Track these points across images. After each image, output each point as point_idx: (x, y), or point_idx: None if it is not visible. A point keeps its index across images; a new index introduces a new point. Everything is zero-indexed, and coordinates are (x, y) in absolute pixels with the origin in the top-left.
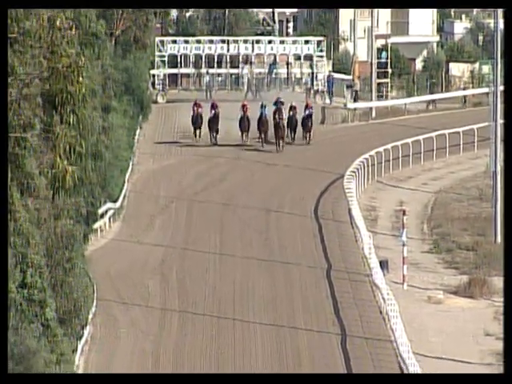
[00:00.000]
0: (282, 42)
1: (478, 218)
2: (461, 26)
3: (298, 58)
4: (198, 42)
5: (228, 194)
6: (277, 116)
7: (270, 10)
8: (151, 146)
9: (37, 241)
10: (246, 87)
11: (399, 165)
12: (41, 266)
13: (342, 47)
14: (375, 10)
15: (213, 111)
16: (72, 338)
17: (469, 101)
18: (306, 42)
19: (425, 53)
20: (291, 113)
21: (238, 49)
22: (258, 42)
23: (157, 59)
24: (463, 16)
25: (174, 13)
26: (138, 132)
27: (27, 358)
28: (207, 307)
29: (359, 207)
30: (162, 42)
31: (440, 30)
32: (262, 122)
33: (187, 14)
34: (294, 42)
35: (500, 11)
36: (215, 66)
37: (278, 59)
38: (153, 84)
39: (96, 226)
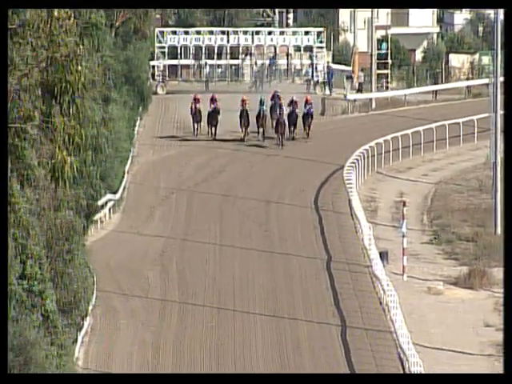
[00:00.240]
0: (281, 33)
1: (478, 209)
2: (461, 17)
3: (297, 49)
4: (198, 33)
5: (228, 186)
6: (277, 111)
7: None
8: (151, 137)
9: (37, 232)
10: (253, 78)
11: (399, 156)
12: (41, 258)
13: (342, 38)
14: None
15: (212, 105)
16: (72, 329)
17: (471, 91)
18: (306, 33)
19: (425, 44)
20: (292, 108)
21: (238, 40)
22: (257, 33)
23: (157, 50)
24: None
25: None
26: (137, 123)
27: (27, 349)
28: (207, 298)
29: (359, 198)
30: (161, 32)
31: (440, 20)
32: (260, 118)
33: None
34: (294, 33)
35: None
36: (215, 57)
37: (277, 50)
38: (153, 75)
39: (96, 217)
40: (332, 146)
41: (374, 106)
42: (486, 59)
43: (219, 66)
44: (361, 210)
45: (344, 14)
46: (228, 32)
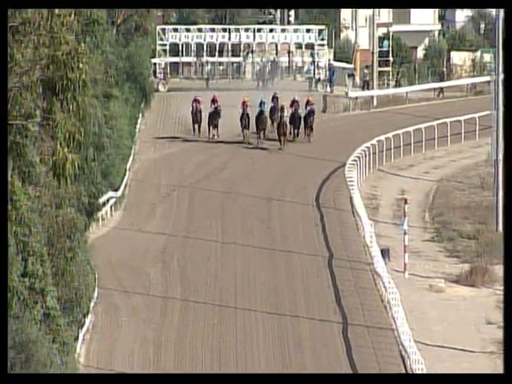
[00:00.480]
0: (283, 31)
1: (480, 206)
2: (462, 15)
3: (299, 46)
4: (200, 30)
5: (229, 183)
6: (277, 113)
7: None
8: (153, 134)
9: (38, 229)
10: (255, 76)
11: (400, 153)
12: (42, 255)
13: (344, 36)
14: None
15: (213, 106)
16: (73, 327)
17: (470, 89)
18: (308, 30)
19: (426, 41)
20: (293, 108)
21: (240, 37)
22: (259, 30)
23: (158, 48)
24: None
25: None
26: (139, 120)
27: (28, 346)
28: (209, 295)
29: (360, 196)
30: (163, 30)
31: (441, 18)
32: (260, 119)
33: None
34: (296, 31)
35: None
36: (217, 54)
37: (279, 48)
38: (154, 72)
39: (97, 214)
40: (333, 143)
41: (375, 103)
42: (487, 57)
43: (221, 63)
44: (362, 208)
45: (345, 11)
46: (229, 29)
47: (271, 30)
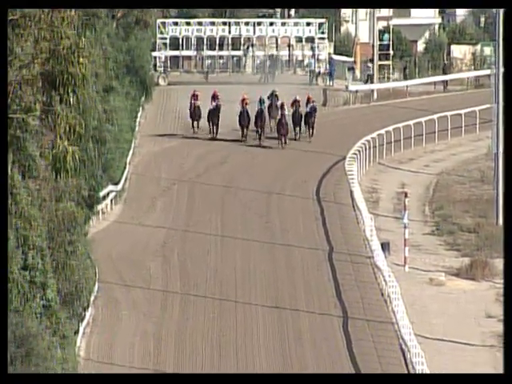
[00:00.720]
0: (283, 24)
1: (480, 199)
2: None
3: (299, 40)
4: (200, 24)
5: (229, 177)
6: (276, 111)
7: None
8: (153, 128)
9: (38, 223)
10: (255, 70)
11: (401, 147)
12: (42, 249)
13: (344, 29)
14: None
15: (214, 103)
16: (74, 320)
17: (471, 83)
18: (308, 24)
19: (427, 35)
20: (295, 107)
21: (240, 31)
22: (259, 24)
23: (158, 41)
24: None
25: None
26: (139, 114)
27: (29, 340)
28: (209, 289)
29: (361, 189)
30: (163, 23)
31: (442, 11)
32: (259, 118)
33: None
34: (296, 24)
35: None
36: (217, 48)
37: (279, 41)
38: (154, 66)
39: (98, 208)
40: (334, 136)
41: (375, 96)
42: (487, 50)
43: (221, 57)
44: (362, 201)
45: None
46: (229, 23)
47: (271, 24)
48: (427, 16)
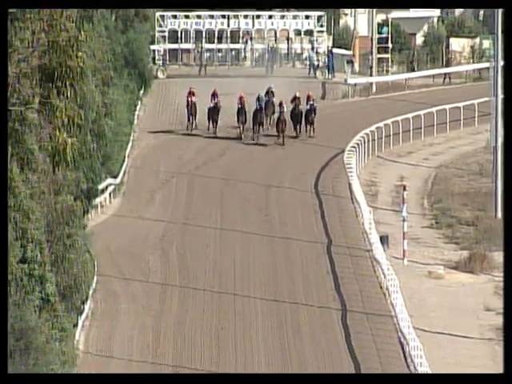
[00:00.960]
0: (282, 17)
1: (479, 193)
2: None
3: (298, 33)
4: (199, 17)
5: (228, 169)
6: (272, 108)
7: None
8: (151, 121)
9: (37, 216)
10: (254, 63)
11: (400, 140)
12: (41, 242)
13: (343, 22)
14: None
15: (213, 101)
16: (72, 314)
17: (470, 76)
18: (307, 17)
19: (425, 28)
20: (294, 104)
21: (239, 24)
22: (258, 17)
23: (157, 34)
24: None
25: None
26: (138, 107)
27: (28, 333)
28: (208, 282)
29: (359, 182)
30: (162, 16)
31: None
32: (257, 115)
33: None
34: (295, 17)
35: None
36: (216, 41)
37: (278, 34)
38: (153, 59)
39: (96, 201)
40: (332, 130)
41: (374, 90)
42: (486, 43)
43: (220, 50)
44: (361, 194)
45: None
46: (228, 16)
47: (270, 17)
48: (426, 9)
